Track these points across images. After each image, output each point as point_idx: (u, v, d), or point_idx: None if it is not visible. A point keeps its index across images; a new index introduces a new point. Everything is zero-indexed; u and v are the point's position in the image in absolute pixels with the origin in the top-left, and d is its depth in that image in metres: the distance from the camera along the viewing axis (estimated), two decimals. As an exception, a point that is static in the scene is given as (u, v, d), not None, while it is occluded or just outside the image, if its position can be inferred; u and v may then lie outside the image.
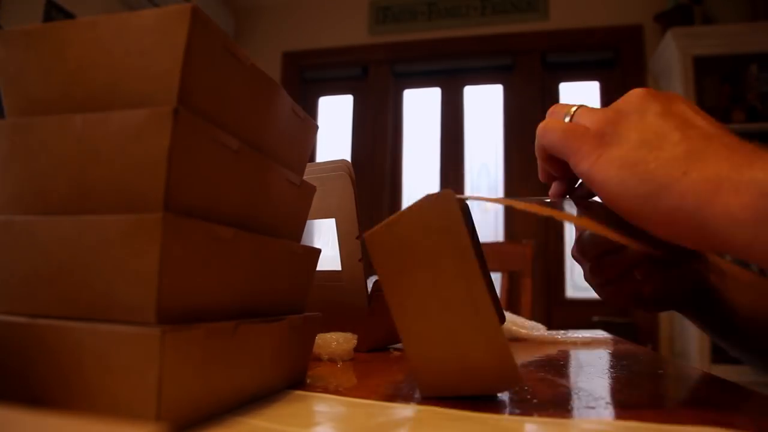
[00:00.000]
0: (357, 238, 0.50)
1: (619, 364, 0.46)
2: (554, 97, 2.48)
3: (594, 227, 0.29)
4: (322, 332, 0.44)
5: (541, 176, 0.36)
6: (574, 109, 0.32)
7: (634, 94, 0.30)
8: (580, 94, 2.49)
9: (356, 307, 0.51)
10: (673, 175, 0.26)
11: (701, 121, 0.28)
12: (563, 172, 0.34)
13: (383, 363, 0.44)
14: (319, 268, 0.38)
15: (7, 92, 0.25)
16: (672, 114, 0.28)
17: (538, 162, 0.35)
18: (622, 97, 0.31)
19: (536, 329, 0.66)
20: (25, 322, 0.21)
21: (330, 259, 0.52)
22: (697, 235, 0.26)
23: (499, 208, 2.48)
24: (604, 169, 0.28)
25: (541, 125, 0.32)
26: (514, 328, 0.65)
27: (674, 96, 0.30)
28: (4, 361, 0.21)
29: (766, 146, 0.25)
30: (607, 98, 2.43)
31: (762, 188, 0.23)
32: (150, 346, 0.19)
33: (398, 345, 0.57)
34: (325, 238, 0.52)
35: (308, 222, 0.46)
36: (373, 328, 0.50)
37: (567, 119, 0.31)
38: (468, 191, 2.54)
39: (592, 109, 0.31)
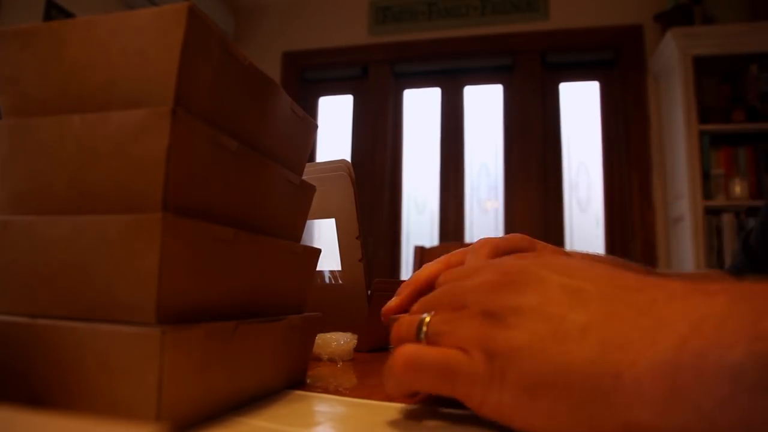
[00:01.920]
0: (357, 237, 0.50)
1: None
2: (554, 97, 2.48)
3: None
4: (322, 332, 0.44)
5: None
6: (427, 319, 0.25)
7: (488, 289, 0.23)
8: (580, 94, 2.49)
9: (356, 307, 0.51)
10: (605, 384, 0.19)
11: (586, 284, 0.22)
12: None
13: (383, 363, 0.43)
14: (318, 267, 0.38)
15: (4, 91, 0.25)
16: (552, 296, 0.22)
17: (392, 387, 0.25)
18: (465, 287, 0.24)
19: None
20: (25, 322, 0.21)
21: (330, 259, 0.52)
22: None
23: (500, 208, 2.48)
24: (515, 406, 0.21)
25: (402, 358, 0.24)
26: None
27: (531, 269, 0.23)
28: (4, 361, 0.21)
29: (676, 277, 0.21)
30: (607, 98, 2.43)
31: (741, 378, 0.16)
32: (150, 346, 0.19)
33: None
34: (325, 237, 0.52)
35: (308, 222, 0.46)
36: (374, 328, 0.50)
37: (422, 338, 0.24)
38: (468, 191, 2.54)
39: (447, 319, 0.24)
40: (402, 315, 0.28)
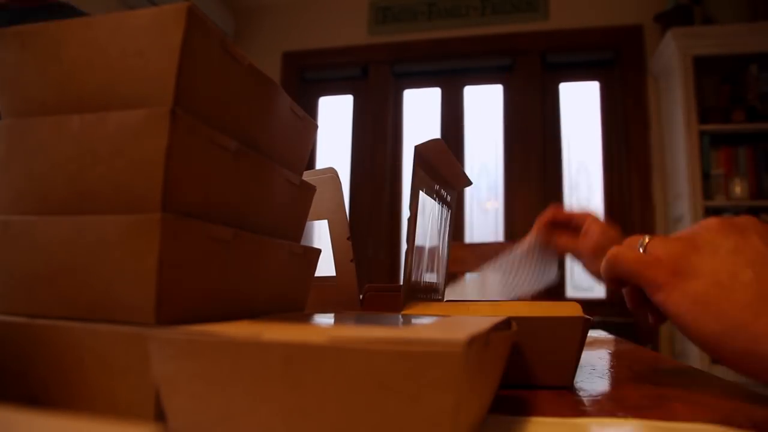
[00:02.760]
0: (347, 238, 0.52)
1: (619, 364, 0.46)
2: (554, 97, 2.48)
3: None
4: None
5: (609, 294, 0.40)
6: (647, 239, 0.34)
7: (710, 226, 0.31)
8: (580, 94, 2.49)
9: (349, 306, 0.52)
10: (745, 318, 0.27)
11: None
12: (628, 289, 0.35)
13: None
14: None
15: (4, 91, 0.25)
16: (744, 251, 0.29)
17: (606, 282, 0.36)
18: (698, 223, 0.33)
19: None
20: (25, 322, 0.21)
21: (324, 260, 0.54)
22: None
23: (500, 208, 2.48)
24: (678, 302, 0.30)
25: (612, 253, 0.34)
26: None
27: (749, 225, 0.31)
28: (4, 361, 0.21)
29: None
30: (607, 98, 2.43)
31: None
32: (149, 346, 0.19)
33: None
34: (325, 239, 0.55)
35: (319, 228, 0.52)
36: None
37: (641, 249, 0.33)
38: (468, 191, 2.54)
39: (666, 239, 0.33)
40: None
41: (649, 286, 0.31)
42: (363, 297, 0.52)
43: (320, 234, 0.55)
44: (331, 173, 0.52)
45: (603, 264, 0.34)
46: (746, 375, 0.28)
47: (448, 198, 0.58)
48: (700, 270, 0.30)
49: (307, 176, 0.52)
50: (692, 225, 0.34)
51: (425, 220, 0.47)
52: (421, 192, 0.40)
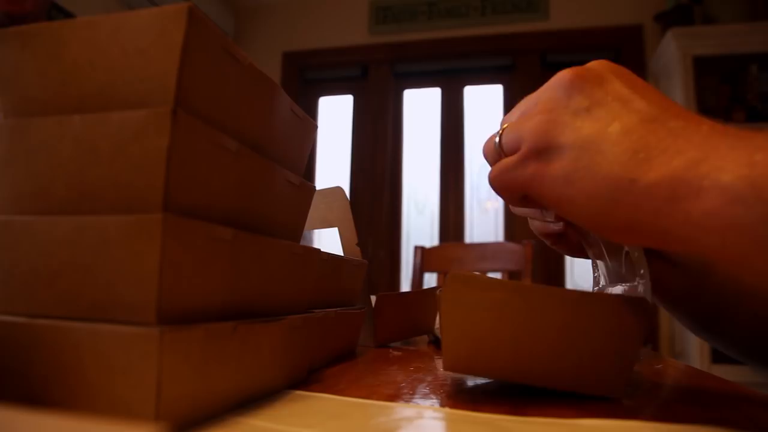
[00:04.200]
0: (356, 244, 0.57)
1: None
2: (554, 97, 2.48)
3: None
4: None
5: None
6: (498, 134, 0.30)
7: (561, 83, 0.27)
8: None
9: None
10: (620, 185, 0.23)
11: (640, 102, 0.24)
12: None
13: (383, 363, 0.44)
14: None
15: (4, 91, 0.25)
16: (604, 102, 0.25)
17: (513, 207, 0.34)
18: (547, 83, 0.28)
19: None
20: (25, 322, 0.21)
21: None
22: (660, 242, 0.24)
23: (500, 208, 2.48)
24: (549, 190, 0.26)
25: (489, 177, 0.30)
26: None
27: (604, 70, 0.27)
28: (4, 361, 0.21)
29: (714, 120, 0.23)
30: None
31: (728, 194, 0.20)
32: (149, 346, 0.19)
33: (397, 343, 0.57)
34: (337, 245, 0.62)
35: (317, 231, 0.59)
36: (381, 326, 0.55)
37: (497, 144, 0.30)
38: (468, 191, 2.54)
39: (517, 122, 0.29)
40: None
41: (527, 189, 0.27)
42: (375, 303, 0.55)
43: (325, 239, 0.60)
44: (338, 187, 0.60)
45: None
46: (638, 244, 0.25)
47: None
48: (562, 143, 0.25)
49: (316, 193, 0.56)
50: (539, 90, 0.29)
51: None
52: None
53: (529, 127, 0.27)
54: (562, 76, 0.27)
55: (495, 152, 0.30)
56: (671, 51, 2.10)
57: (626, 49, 2.37)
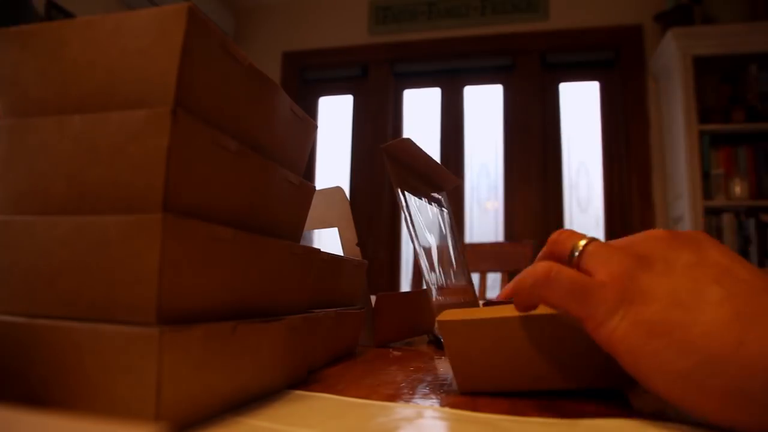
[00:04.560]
0: (356, 244, 0.57)
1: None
2: (554, 97, 2.48)
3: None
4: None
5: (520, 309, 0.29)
6: (582, 244, 0.26)
7: (656, 238, 0.25)
8: (580, 94, 2.49)
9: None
10: (725, 346, 0.20)
11: (742, 271, 0.22)
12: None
13: (383, 363, 0.44)
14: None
15: (4, 92, 0.25)
16: (704, 265, 0.23)
17: (521, 301, 0.28)
18: (638, 236, 0.26)
19: None
20: (25, 322, 0.21)
21: None
22: (764, 420, 0.20)
23: (500, 208, 2.48)
24: (629, 336, 0.22)
25: (542, 270, 0.25)
26: None
27: (701, 238, 0.25)
28: (4, 361, 0.21)
29: None
30: (607, 98, 2.43)
31: None
32: (148, 346, 0.19)
33: (399, 343, 0.57)
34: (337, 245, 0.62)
35: (317, 231, 0.59)
36: (381, 325, 0.56)
37: (574, 258, 0.26)
38: (468, 191, 2.54)
39: (606, 249, 0.25)
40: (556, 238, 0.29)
41: (588, 320, 0.24)
42: (375, 303, 0.55)
43: (325, 239, 0.61)
44: (338, 187, 0.60)
45: (523, 278, 0.26)
46: (730, 424, 0.21)
47: (439, 197, 0.60)
48: (655, 290, 0.23)
49: (316, 193, 0.57)
50: (631, 236, 0.27)
51: (420, 221, 0.48)
52: (406, 192, 0.41)
53: (618, 259, 0.24)
54: (656, 232, 0.25)
55: (563, 254, 0.27)
56: (671, 51, 2.10)
57: (626, 49, 2.37)
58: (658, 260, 0.24)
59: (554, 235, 0.28)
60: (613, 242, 0.27)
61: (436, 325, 0.31)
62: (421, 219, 0.50)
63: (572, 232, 0.28)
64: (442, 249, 0.54)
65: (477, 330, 0.30)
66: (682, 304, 0.22)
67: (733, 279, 0.22)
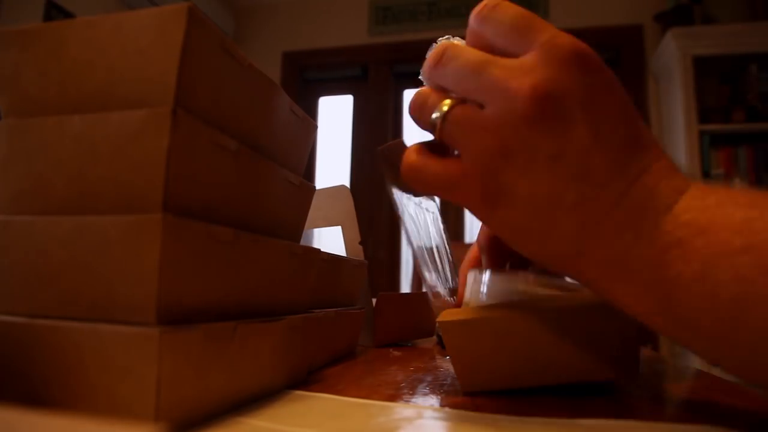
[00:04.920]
0: (359, 242, 0.57)
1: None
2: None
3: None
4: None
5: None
6: (446, 107, 0.24)
7: (517, 109, 0.22)
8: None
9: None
10: (569, 254, 0.23)
11: (598, 156, 0.22)
12: None
13: (383, 363, 0.44)
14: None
15: (4, 92, 0.25)
16: (565, 155, 0.22)
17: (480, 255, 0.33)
18: (501, 99, 0.23)
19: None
20: (25, 322, 0.21)
21: None
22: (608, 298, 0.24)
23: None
24: (498, 229, 0.25)
25: (405, 163, 0.26)
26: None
27: (572, 89, 0.22)
28: (4, 361, 0.21)
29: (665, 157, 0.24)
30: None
31: (648, 277, 0.22)
32: (148, 346, 0.19)
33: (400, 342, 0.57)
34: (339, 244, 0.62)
35: (317, 231, 0.60)
36: (382, 325, 0.56)
37: (436, 129, 0.25)
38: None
39: (469, 122, 0.24)
40: (425, 88, 0.27)
41: (464, 205, 0.25)
42: (376, 303, 0.55)
43: (325, 238, 0.61)
44: (343, 186, 0.60)
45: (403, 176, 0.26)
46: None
47: (431, 200, 0.61)
48: (516, 193, 0.23)
49: (320, 191, 0.58)
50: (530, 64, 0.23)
51: (416, 223, 0.48)
52: (401, 194, 0.41)
53: (480, 150, 0.23)
54: (522, 95, 0.22)
55: (427, 112, 0.26)
56: (671, 51, 2.10)
57: (626, 49, 2.37)
58: (521, 150, 0.23)
59: (417, 95, 0.27)
60: (472, 71, 0.24)
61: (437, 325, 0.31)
62: (419, 220, 0.50)
63: (427, 95, 0.26)
64: (439, 249, 0.55)
65: (477, 329, 0.30)
66: (540, 210, 0.23)
67: (589, 174, 0.22)
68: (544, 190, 0.23)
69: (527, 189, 0.23)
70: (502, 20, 0.24)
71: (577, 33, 0.23)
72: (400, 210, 0.37)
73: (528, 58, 0.23)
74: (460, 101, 0.25)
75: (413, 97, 0.27)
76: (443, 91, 0.26)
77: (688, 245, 0.21)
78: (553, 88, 0.22)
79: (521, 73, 0.23)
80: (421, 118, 0.26)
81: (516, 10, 0.24)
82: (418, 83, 0.29)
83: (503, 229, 0.25)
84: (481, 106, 0.24)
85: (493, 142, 0.23)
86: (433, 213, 0.57)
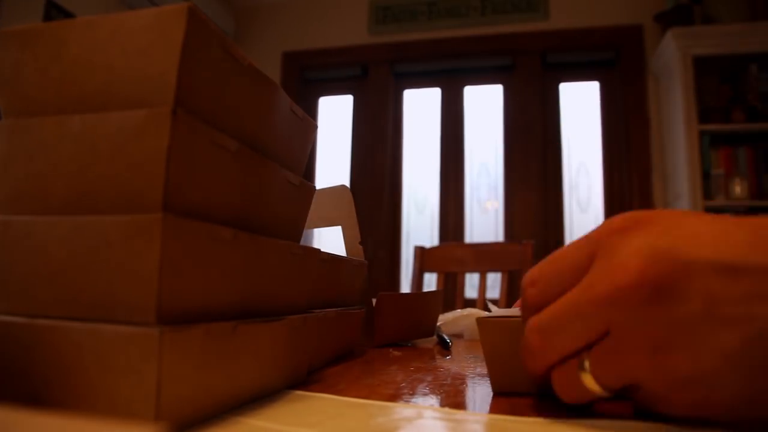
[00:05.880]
0: (359, 242, 0.57)
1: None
2: (554, 97, 2.48)
3: None
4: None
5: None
6: (587, 364, 0.23)
7: (631, 286, 0.21)
8: (580, 94, 2.49)
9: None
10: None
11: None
12: None
13: (383, 363, 0.44)
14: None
15: (4, 91, 0.25)
16: (713, 312, 0.21)
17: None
18: (619, 306, 0.21)
19: None
20: (25, 322, 0.21)
21: None
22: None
23: (500, 208, 2.48)
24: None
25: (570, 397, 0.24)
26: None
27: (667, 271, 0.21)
28: (4, 361, 0.21)
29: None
30: (607, 98, 2.43)
31: None
32: (148, 346, 0.19)
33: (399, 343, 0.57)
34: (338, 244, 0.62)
35: (317, 231, 0.60)
36: (383, 325, 0.56)
37: (582, 375, 0.23)
38: (468, 191, 2.54)
39: (613, 359, 0.22)
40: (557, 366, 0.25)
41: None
42: (376, 303, 0.55)
43: (325, 238, 0.61)
44: (343, 186, 0.60)
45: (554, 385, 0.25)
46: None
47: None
48: (681, 374, 0.21)
49: (321, 191, 0.58)
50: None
51: None
52: None
53: (633, 362, 0.22)
54: (632, 277, 0.21)
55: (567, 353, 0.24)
56: (671, 51, 2.10)
57: (626, 49, 2.37)
58: (665, 332, 0.21)
59: (556, 377, 0.25)
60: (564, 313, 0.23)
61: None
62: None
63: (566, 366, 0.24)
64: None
65: (514, 329, 0.30)
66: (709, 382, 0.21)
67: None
68: (707, 364, 0.21)
69: (690, 362, 0.21)
70: (560, 269, 0.25)
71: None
72: None
73: (597, 265, 0.23)
74: (584, 348, 0.23)
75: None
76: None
77: None
78: (646, 269, 0.21)
79: (613, 269, 0.22)
80: (569, 396, 0.25)
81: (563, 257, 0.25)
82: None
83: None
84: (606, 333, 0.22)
85: (641, 353, 0.21)
86: None
